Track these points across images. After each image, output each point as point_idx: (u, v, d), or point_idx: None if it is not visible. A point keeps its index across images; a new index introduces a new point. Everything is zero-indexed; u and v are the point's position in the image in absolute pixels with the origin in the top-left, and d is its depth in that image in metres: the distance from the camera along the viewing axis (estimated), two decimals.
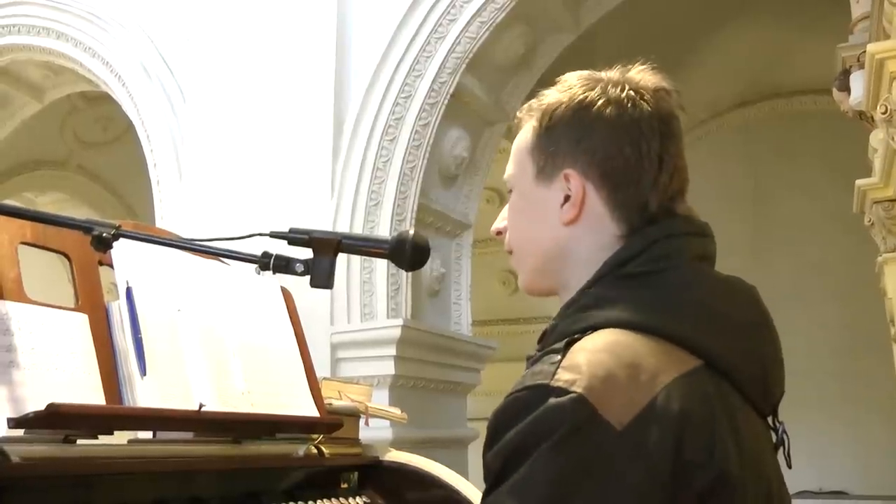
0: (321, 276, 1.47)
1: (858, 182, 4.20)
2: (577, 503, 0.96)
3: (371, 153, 5.17)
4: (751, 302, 1.22)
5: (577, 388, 1.00)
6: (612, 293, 1.15)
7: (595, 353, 1.04)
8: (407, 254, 1.50)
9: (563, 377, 1.02)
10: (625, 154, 1.19)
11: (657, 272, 1.15)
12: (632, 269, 1.16)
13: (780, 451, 1.21)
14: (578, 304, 1.17)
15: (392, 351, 4.88)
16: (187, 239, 1.71)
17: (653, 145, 1.20)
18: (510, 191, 1.32)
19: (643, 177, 1.20)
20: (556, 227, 1.23)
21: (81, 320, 1.64)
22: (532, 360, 1.12)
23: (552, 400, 1.00)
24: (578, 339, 1.08)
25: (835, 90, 4.29)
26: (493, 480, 1.04)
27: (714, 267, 1.24)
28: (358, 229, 5.04)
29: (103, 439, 1.59)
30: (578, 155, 1.21)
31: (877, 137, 3.96)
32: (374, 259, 4.95)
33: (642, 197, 1.20)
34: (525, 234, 1.30)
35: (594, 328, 1.09)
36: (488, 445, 1.06)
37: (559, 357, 1.06)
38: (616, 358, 1.04)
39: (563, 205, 1.22)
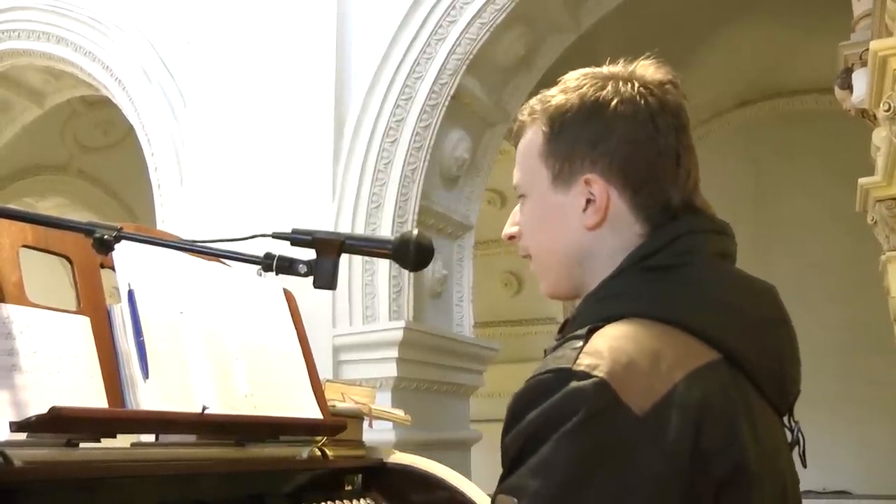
0: (325, 277, 1.46)
1: (861, 181, 4.19)
2: (597, 486, 0.96)
3: (372, 155, 5.17)
4: (770, 300, 1.21)
5: (600, 373, 1.00)
6: (634, 285, 1.15)
7: (617, 339, 1.05)
8: (411, 254, 1.49)
9: (585, 361, 1.02)
10: (643, 153, 1.19)
11: (678, 266, 1.15)
12: (653, 263, 1.16)
13: (796, 450, 1.21)
14: (600, 295, 1.17)
15: (394, 353, 4.87)
16: (189, 241, 1.70)
17: (669, 141, 1.19)
18: (521, 196, 1.30)
19: (663, 174, 1.19)
20: (578, 231, 1.22)
21: (83, 323, 1.64)
22: (553, 347, 1.11)
23: (574, 383, 1.00)
24: (600, 326, 1.08)
25: (837, 88, 4.28)
26: (512, 462, 1.03)
27: (734, 265, 1.23)
28: (359, 231, 5.04)
29: (106, 443, 1.58)
30: (597, 158, 1.20)
31: (879, 135, 3.96)
32: (375, 261, 4.95)
33: (664, 194, 1.19)
34: (545, 240, 1.28)
35: (615, 318, 1.09)
36: (508, 428, 1.06)
37: (581, 343, 1.06)
38: (638, 345, 1.04)
39: (585, 209, 1.21)
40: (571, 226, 1.22)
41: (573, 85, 1.24)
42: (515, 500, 1.00)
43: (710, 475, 0.99)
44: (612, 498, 0.96)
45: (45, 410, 1.35)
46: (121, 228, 1.50)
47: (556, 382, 1.02)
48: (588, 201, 1.20)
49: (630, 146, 1.19)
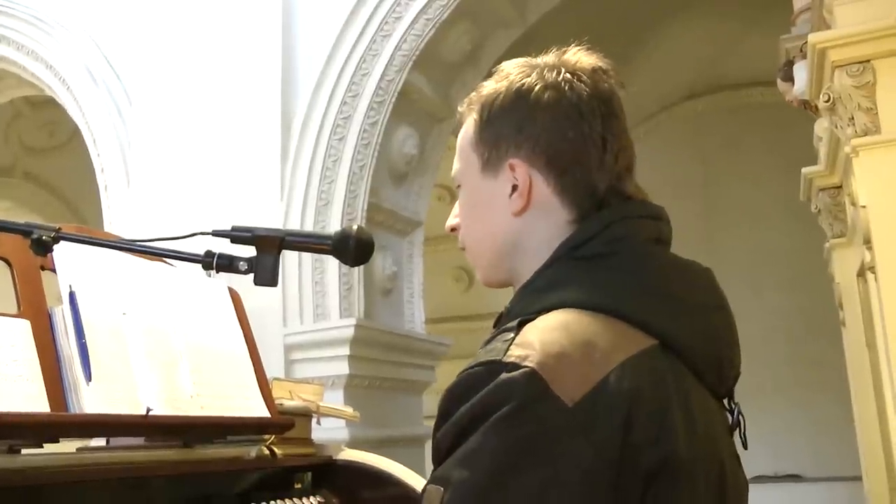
0: (265, 274, 1.44)
1: (804, 170, 4.26)
2: (525, 476, 0.96)
3: (320, 153, 5.16)
4: (706, 284, 1.22)
5: (530, 363, 1.00)
6: (567, 275, 1.14)
7: (548, 331, 1.04)
8: (350, 249, 1.48)
9: (515, 353, 1.02)
10: (567, 138, 1.19)
11: (611, 254, 1.15)
12: (586, 252, 1.16)
13: (737, 432, 1.22)
14: (533, 287, 1.17)
15: (346, 350, 4.87)
16: (129, 240, 1.68)
17: (595, 126, 1.19)
18: (458, 187, 1.31)
19: (588, 159, 1.19)
20: (506, 218, 1.23)
21: (24, 327, 1.61)
22: (486, 341, 1.11)
23: (504, 375, 1.00)
24: (532, 318, 1.08)
25: (779, 80, 4.34)
26: (444, 455, 1.03)
27: (669, 250, 1.23)
28: (309, 230, 5.01)
29: (51, 448, 1.56)
30: (521, 143, 1.21)
31: (821, 126, 4.02)
32: (325, 258, 4.93)
33: (589, 179, 1.19)
34: (477, 228, 1.28)
35: (548, 309, 1.09)
36: (440, 422, 1.06)
37: (512, 335, 1.05)
38: (569, 336, 1.03)
39: (511, 195, 1.21)
40: (499, 212, 1.23)
41: (504, 74, 1.27)
42: (442, 489, 1.00)
43: (638, 466, 0.99)
44: (539, 488, 0.96)
45: None
46: (59, 229, 1.48)
47: (486, 375, 1.02)
48: (514, 187, 1.21)
49: (553, 131, 1.19)
